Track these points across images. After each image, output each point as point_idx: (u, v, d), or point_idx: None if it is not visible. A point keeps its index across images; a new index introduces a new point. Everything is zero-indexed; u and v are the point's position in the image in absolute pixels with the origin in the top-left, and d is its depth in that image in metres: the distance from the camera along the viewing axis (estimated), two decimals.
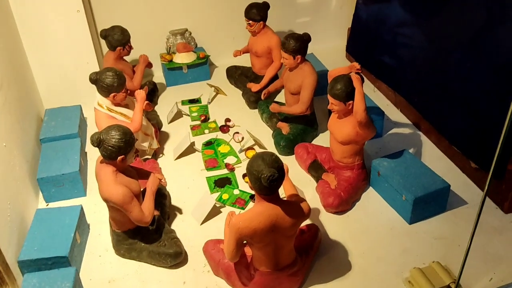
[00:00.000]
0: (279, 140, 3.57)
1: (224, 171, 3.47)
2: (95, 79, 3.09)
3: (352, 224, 3.01)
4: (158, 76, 4.67)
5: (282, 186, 2.41)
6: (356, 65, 3.00)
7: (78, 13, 3.78)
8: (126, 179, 2.62)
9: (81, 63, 3.98)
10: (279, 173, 2.20)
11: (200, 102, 4.28)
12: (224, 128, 3.88)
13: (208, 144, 3.74)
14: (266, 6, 3.99)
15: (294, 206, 2.35)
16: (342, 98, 2.88)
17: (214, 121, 4.00)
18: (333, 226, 2.99)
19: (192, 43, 4.70)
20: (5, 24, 3.47)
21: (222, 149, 3.68)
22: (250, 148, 3.63)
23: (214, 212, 3.09)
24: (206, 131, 3.91)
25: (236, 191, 3.27)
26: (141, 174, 2.89)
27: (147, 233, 2.76)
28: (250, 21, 3.98)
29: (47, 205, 3.26)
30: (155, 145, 3.55)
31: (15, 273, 2.50)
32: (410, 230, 2.93)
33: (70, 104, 3.91)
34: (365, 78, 4.39)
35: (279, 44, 3.90)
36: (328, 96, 2.96)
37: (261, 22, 3.98)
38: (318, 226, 2.89)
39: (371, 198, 3.18)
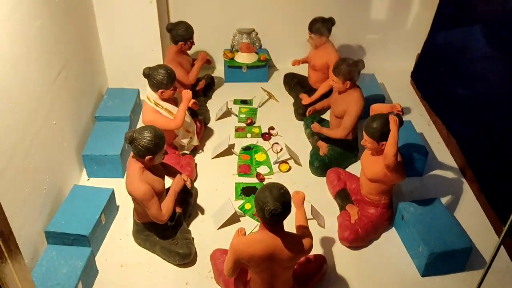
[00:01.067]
0: (313, 160, 3.58)
1: (254, 180, 3.55)
2: (147, 74, 3.27)
3: (363, 262, 2.98)
4: (219, 70, 4.80)
5: (294, 212, 2.46)
6: (398, 106, 2.92)
7: (150, 3, 3.97)
8: (151, 177, 2.79)
9: (146, 50, 4.19)
10: (283, 208, 2.24)
11: (251, 104, 4.36)
12: (266, 136, 3.95)
13: (247, 149, 3.83)
14: (330, 22, 3.94)
15: (296, 241, 2.38)
16: (376, 137, 2.84)
17: (259, 127, 4.08)
18: (344, 260, 2.98)
19: (257, 44, 4.76)
20: (82, 5, 3.74)
21: (259, 157, 3.76)
22: (285, 161, 3.68)
23: (232, 219, 3.20)
24: (249, 135, 4.00)
25: None
26: (170, 172, 3.05)
27: (164, 229, 2.93)
28: (312, 34, 3.97)
29: (88, 179, 3.54)
30: (195, 142, 3.69)
31: (38, 242, 2.78)
32: (421, 282, 2.86)
33: (131, 86, 4.15)
34: (423, 111, 4.26)
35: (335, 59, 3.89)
36: (363, 132, 2.91)
37: (323, 37, 3.96)
38: (327, 256, 2.91)
39: (390, 239, 3.12)
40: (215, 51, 4.75)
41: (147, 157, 2.69)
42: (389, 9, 4.65)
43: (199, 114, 3.98)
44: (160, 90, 3.29)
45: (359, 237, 3.00)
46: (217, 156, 3.75)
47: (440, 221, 2.97)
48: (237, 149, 3.82)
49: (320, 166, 3.54)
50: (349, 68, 3.32)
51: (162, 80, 3.25)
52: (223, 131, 4.00)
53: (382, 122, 2.81)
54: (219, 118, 4.17)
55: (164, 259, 2.94)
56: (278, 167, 3.65)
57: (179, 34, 3.86)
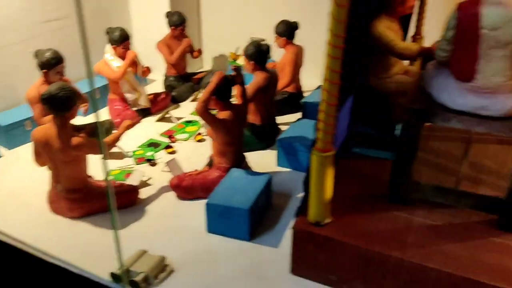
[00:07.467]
0: None
1: (167, 140, 3.94)
2: (107, 32, 4.11)
3: (170, 211, 3.07)
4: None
5: None
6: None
7: None
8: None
9: (156, 30, 4.93)
10: (62, 92, 2.72)
11: None
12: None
13: (189, 122, 4.26)
14: (292, 26, 4.17)
15: (67, 135, 2.76)
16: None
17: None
18: (163, 202, 3.15)
19: None
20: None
21: (189, 128, 4.13)
22: (200, 134, 3.97)
23: (115, 156, 3.69)
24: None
25: (149, 153, 3.73)
26: None
27: None
28: (275, 34, 4.23)
29: None
30: (143, 102, 4.29)
31: None
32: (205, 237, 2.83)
33: None
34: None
35: (290, 62, 4.08)
36: None
37: (284, 38, 4.18)
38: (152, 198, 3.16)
39: None
40: (225, 52, 5.32)
41: (43, 70, 3.47)
42: None
43: (175, 91, 4.62)
44: (113, 46, 4.08)
45: (181, 186, 3.11)
46: (160, 120, 4.28)
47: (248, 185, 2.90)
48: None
49: None
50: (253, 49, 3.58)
51: (114, 37, 4.05)
52: (181, 111, 4.52)
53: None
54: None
55: None
56: (195, 138, 3.95)
57: (171, 20, 4.62)
